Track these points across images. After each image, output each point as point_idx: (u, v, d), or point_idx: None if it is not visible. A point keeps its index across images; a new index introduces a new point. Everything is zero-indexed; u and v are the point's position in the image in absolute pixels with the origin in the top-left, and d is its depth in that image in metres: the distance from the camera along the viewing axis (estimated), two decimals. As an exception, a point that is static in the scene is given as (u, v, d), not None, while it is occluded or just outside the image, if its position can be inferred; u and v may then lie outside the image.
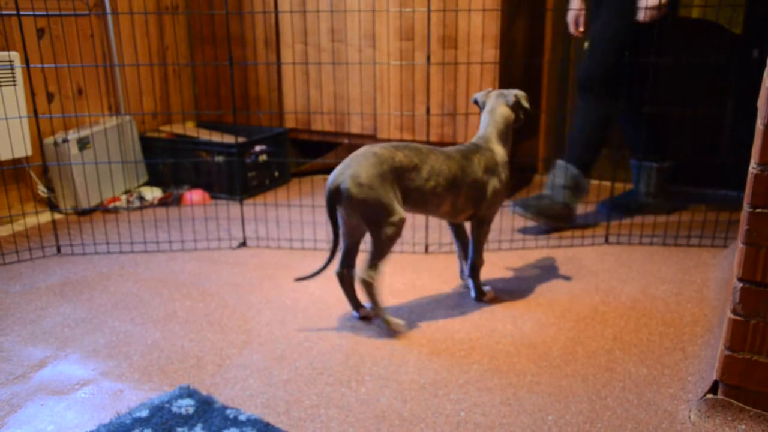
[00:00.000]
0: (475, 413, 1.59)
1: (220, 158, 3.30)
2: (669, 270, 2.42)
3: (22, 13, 2.58)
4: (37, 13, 2.91)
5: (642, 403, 1.62)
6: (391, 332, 1.97)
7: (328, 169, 3.81)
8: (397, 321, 1.99)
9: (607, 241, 2.70)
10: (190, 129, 3.64)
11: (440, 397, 1.65)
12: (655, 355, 1.84)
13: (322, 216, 3.05)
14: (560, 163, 2.82)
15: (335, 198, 1.89)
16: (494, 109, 2.15)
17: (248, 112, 3.76)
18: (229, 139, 3.39)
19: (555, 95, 3.59)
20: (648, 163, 2.96)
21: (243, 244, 2.74)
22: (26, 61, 2.52)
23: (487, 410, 1.60)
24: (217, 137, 3.46)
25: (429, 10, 2.50)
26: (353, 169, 1.86)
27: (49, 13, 2.95)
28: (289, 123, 3.67)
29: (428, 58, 2.57)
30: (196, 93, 3.92)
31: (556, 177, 2.81)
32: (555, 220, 2.82)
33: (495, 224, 2.94)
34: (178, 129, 3.63)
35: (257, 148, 3.37)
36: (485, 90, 2.23)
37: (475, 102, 2.23)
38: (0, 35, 2.85)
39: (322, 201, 3.26)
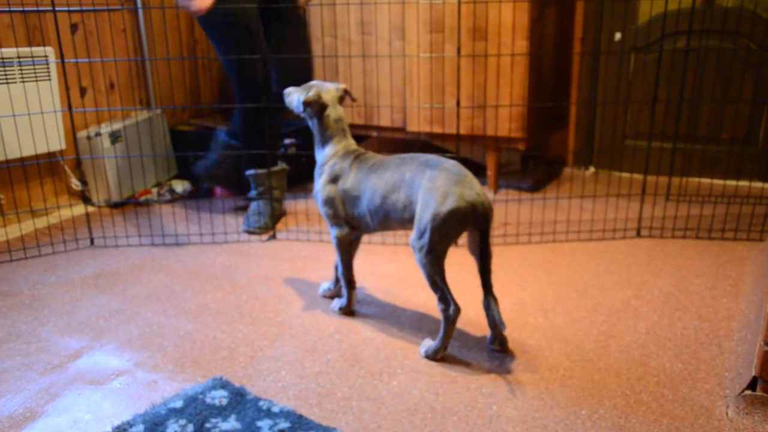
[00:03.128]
0: (508, 407, 1.58)
1: (249, 151, 3.31)
2: (703, 264, 2.38)
3: (57, 8, 2.61)
4: (71, 8, 2.95)
5: (677, 398, 1.60)
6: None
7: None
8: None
9: (638, 234, 2.67)
10: (219, 122, 3.66)
11: (472, 391, 1.65)
12: (690, 350, 1.81)
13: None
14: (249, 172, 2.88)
15: (488, 219, 1.71)
16: (338, 109, 1.99)
17: (278, 106, 3.77)
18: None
19: (585, 87, 3.55)
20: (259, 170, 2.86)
21: (273, 236, 2.75)
22: (61, 56, 2.55)
23: (520, 404, 1.59)
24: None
25: (459, 2, 2.48)
26: (474, 182, 1.72)
27: (83, 8, 2.98)
28: (318, 116, 3.67)
29: (459, 50, 2.55)
30: (226, 86, 3.94)
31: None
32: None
33: (527, 217, 2.92)
34: (208, 122, 3.65)
35: (286, 140, 3.38)
36: (303, 88, 2.01)
37: (308, 104, 1.97)
38: (36, 31, 2.90)
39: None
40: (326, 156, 1.98)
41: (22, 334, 1.98)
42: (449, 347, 1.84)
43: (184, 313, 2.10)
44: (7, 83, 2.68)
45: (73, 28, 3.06)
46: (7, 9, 2.75)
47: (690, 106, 3.32)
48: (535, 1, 2.95)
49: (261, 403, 1.59)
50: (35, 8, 2.85)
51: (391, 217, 1.85)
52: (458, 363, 1.77)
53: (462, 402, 1.60)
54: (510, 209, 3.03)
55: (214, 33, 2.67)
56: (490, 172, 3.26)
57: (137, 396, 1.66)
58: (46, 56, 2.81)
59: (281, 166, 2.91)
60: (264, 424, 1.50)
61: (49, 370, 1.79)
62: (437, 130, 3.27)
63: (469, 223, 1.69)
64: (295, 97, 2.02)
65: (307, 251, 2.59)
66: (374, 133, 3.56)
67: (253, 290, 2.25)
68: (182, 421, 1.52)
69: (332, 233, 2.00)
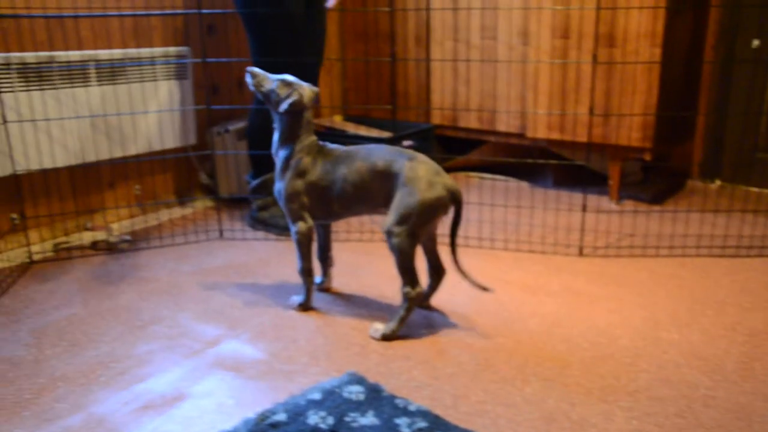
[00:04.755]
0: (648, 423, 1.54)
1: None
2: None
3: (202, 10, 2.74)
4: (214, 10, 3.09)
5: (835, 428, 1.51)
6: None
7: (473, 167, 3.80)
8: None
9: (776, 252, 2.54)
10: (338, 122, 3.74)
11: (609, 404, 1.61)
12: None
13: (475, 213, 3.06)
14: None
15: (462, 205, 1.94)
16: (310, 111, 2.06)
17: (405, 108, 3.81)
18: (377, 133, 3.46)
19: (715, 96, 3.40)
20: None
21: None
22: (203, 55, 2.68)
23: (661, 421, 1.54)
24: (365, 131, 3.54)
25: (598, 9, 2.44)
26: (445, 173, 1.92)
27: (225, 10, 3.11)
28: (436, 119, 3.70)
29: (594, 57, 2.50)
30: (345, 88, 4.02)
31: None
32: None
33: (653, 230, 2.82)
34: (327, 122, 3.74)
35: (405, 142, 3.41)
36: (282, 83, 2.01)
37: (294, 105, 1.99)
38: (178, 32, 3.05)
39: (474, 198, 3.26)
40: (294, 152, 2.04)
41: (164, 319, 2.09)
42: (579, 357, 1.81)
43: (313, 307, 2.16)
44: (156, 80, 2.84)
45: (210, 29, 3.20)
46: (159, 12, 2.92)
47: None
48: (671, 8, 2.85)
49: (397, 401, 1.61)
50: (183, 11, 3.00)
51: (364, 204, 1.98)
52: (591, 374, 1.74)
53: (599, 414, 1.57)
54: (635, 221, 2.94)
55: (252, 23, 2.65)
56: (612, 182, 3.18)
57: (275, 386, 1.72)
58: (185, 55, 2.95)
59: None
60: (402, 422, 1.53)
61: (191, 354, 1.88)
62: (559, 137, 3.22)
63: (448, 209, 1.90)
64: (271, 89, 2.03)
65: (428, 253, 2.60)
66: (492, 138, 3.55)
67: (379, 288, 2.29)
68: (322, 413, 1.56)
69: (294, 229, 2.07)
